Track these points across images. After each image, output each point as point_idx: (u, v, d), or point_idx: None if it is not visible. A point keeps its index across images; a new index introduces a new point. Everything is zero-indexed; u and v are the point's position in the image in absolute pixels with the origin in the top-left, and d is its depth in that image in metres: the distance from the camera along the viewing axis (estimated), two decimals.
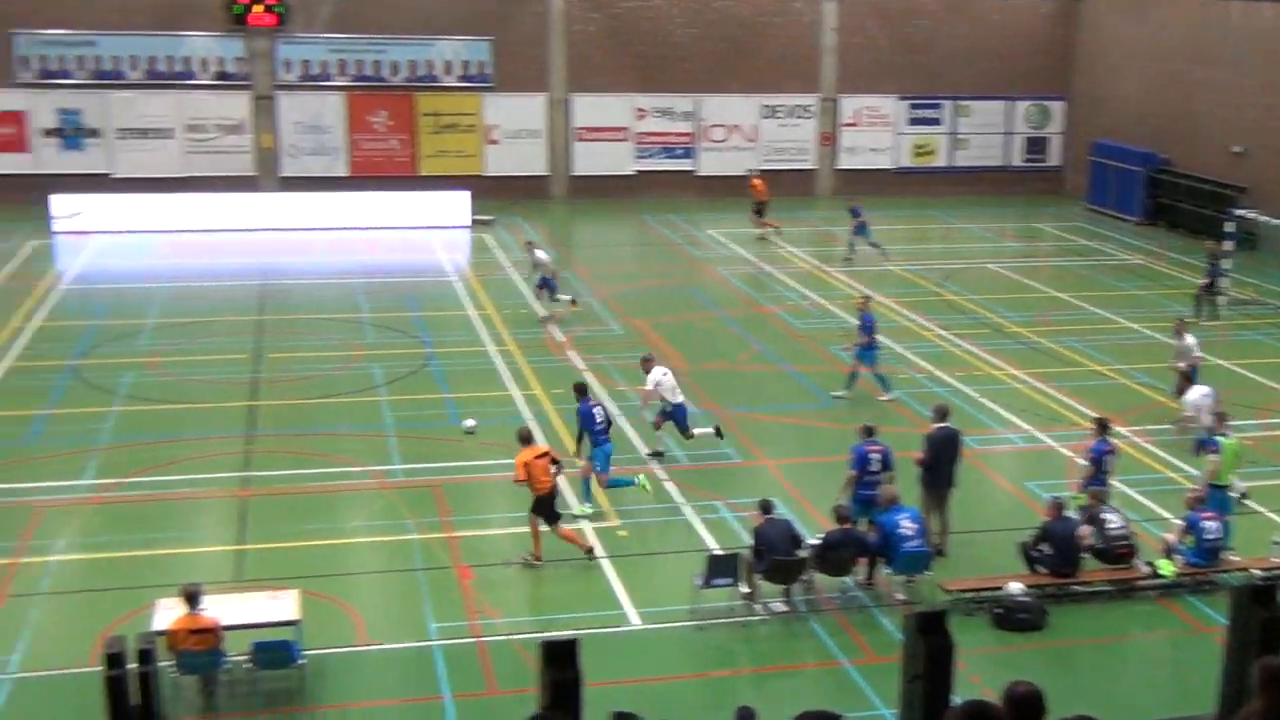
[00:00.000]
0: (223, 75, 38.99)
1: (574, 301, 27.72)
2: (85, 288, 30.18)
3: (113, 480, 18.60)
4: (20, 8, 37.42)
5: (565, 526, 16.49)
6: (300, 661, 13.14)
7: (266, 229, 35.89)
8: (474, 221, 37.30)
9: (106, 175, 38.10)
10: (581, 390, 18.47)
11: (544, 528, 16.10)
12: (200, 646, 12.76)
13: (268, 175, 39.41)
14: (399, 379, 23.47)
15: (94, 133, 38.38)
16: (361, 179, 39.39)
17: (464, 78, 40.44)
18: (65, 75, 38.07)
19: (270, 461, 19.43)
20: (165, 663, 12.22)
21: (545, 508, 16.09)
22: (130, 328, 26.39)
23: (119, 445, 19.97)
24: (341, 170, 39.80)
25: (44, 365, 23.76)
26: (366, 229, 36.35)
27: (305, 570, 15.66)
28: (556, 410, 21.69)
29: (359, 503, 18.13)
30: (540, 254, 27.86)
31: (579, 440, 18.23)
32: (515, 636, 14.28)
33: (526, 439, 16.40)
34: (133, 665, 9.82)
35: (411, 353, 25.03)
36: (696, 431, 19.99)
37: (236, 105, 39.10)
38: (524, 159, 41.13)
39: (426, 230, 36.37)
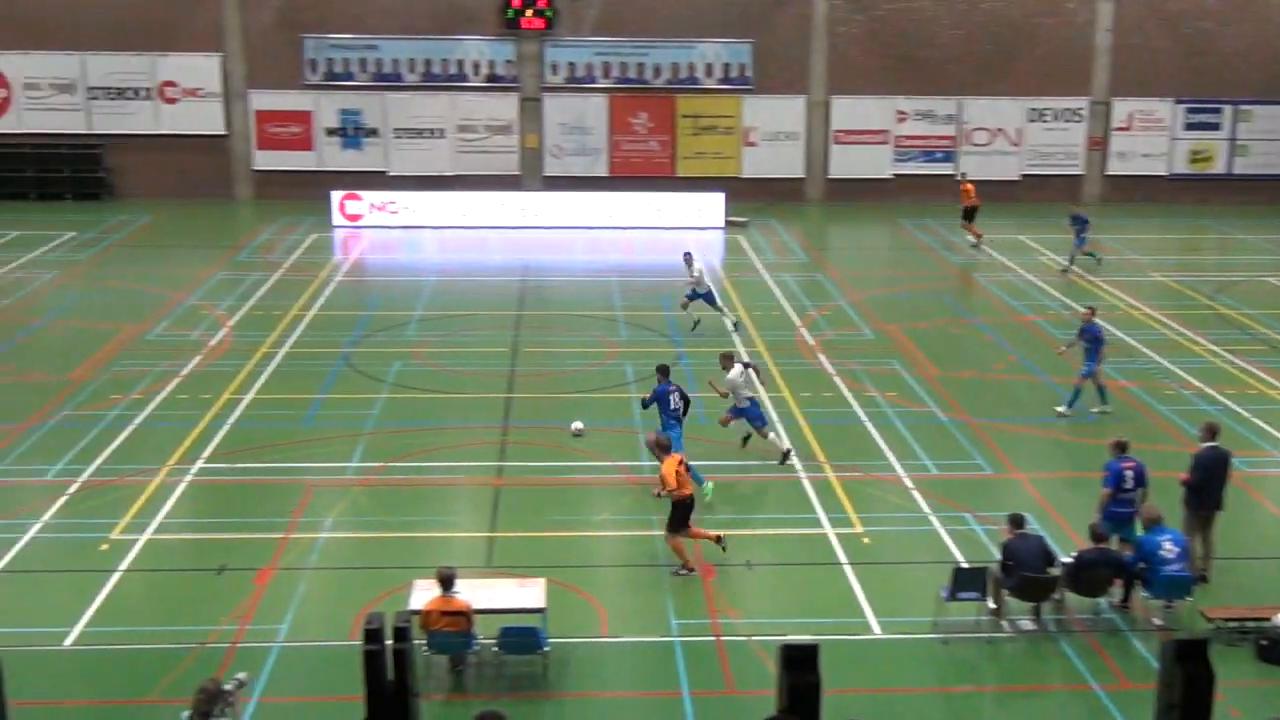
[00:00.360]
0: (493, 78, 40.36)
1: (698, 322, 26.48)
2: (359, 279, 31.79)
3: (378, 464, 19.52)
4: (310, 15, 39.65)
5: (682, 540, 15.96)
6: (545, 649, 13.50)
7: (529, 227, 37.01)
8: (728, 223, 37.51)
9: (383, 173, 39.99)
10: (664, 372, 18.83)
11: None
12: (452, 628, 13.27)
13: (532, 175, 40.60)
14: (649, 377, 23.75)
15: (372, 132, 40.34)
16: (621, 179, 40.13)
17: (724, 80, 40.70)
18: (348, 77, 40.13)
19: (523, 453, 20.02)
20: (418, 641, 12.75)
21: (684, 514, 15.89)
22: (399, 318, 27.62)
23: (385, 431, 20.93)
24: (602, 170, 40.64)
25: (320, 352, 25.10)
26: (623, 229, 37.04)
27: (552, 560, 16.07)
28: (803, 414, 21.61)
29: (606, 497, 18.49)
30: (699, 265, 26.67)
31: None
32: (755, 638, 14.31)
33: (667, 448, 16.25)
34: (389, 642, 10.28)
35: (663, 351, 25.34)
36: (771, 435, 19.58)
37: (505, 106, 40.42)
38: (781, 161, 41.13)
39: (681, 231, 36.79)
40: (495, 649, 13.54)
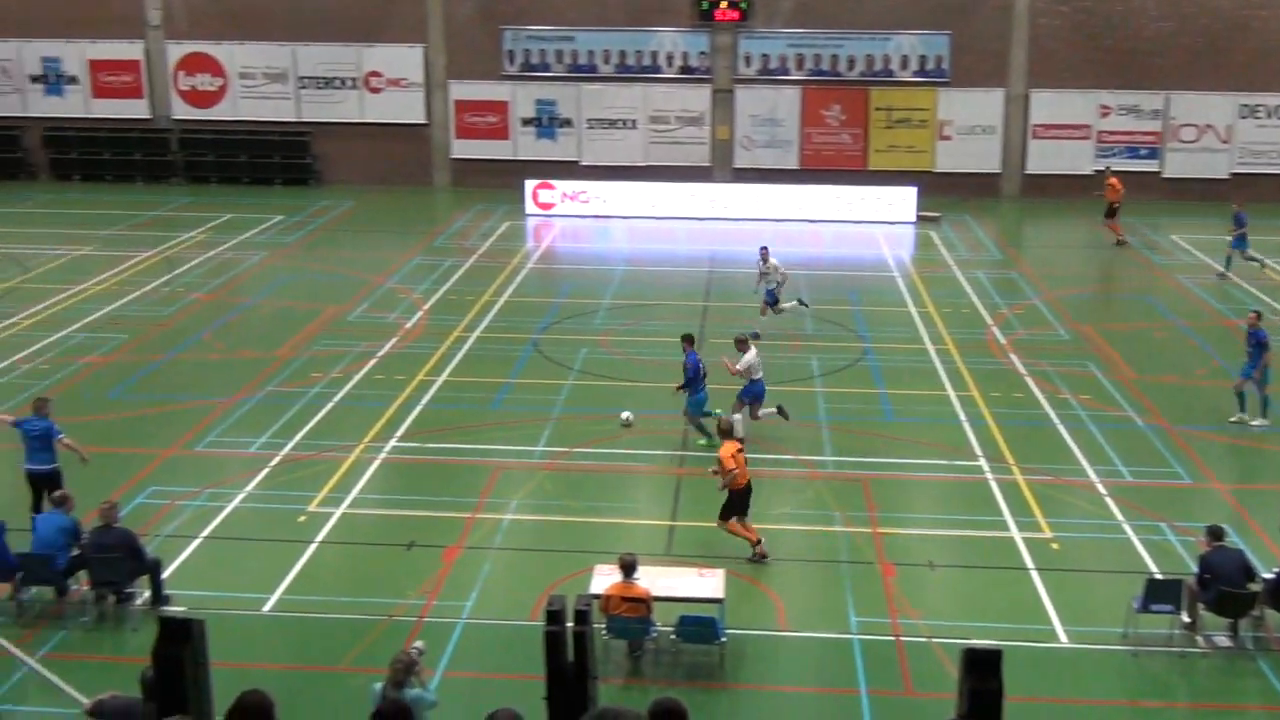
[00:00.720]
0: (686, 69, 40.51)
1: (801, 301, 26.44)
2: (550, 267, 32.33)
3: (563, 448, 19.84)
4: (510, 7, 40.44)
5: (736, 523, 16.07)
6: (722, 639, 13.56)
7: (717, 218, 37.07)
8: (919, 218, 36.92)
9: (575, 162, 40.55)
10: (690, 340, 20.34)
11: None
12: (631, 614, 13.43)
13: (722, 166, 40.64)
14: (835, 371, 23.65)
15: (566, 122, 40.93)
16: (810, 172, 39.87)
17: (919, 72, 40.04)
18: (544, 68, 40.81)
19: (705, 443, 20.07)
20: (598, 625, 12.94)
21: (742, 500, 16.02)
22: (587, 306, 28.01)
23: (570, 416, 21.26)
24: (792, 163, 40.44)
25: (510, 337, 25.62)
26: (813, 221, 36.79)
27: (731, 551, 16.10)
28: (992, 414, 21.17)
29: (788, 490, 18.44)
30: (774, 261, 25.92)
31: (683, 386, 19.72)
32: (936, 640, 14.11)
33: (728, 432, 16.55)
34: (570, 624, 10.45)
35: (849, 346, 25.13)
36: (762, 413, 20.04)
37: (698, 98, 40.53)
38: (976, 156, 40.26)
39: (872, 225, 36.36)
40: (673, 637, 13.65)
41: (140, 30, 41.53)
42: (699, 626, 13.55)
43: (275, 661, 13.45)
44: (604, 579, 13.84)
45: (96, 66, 41.85)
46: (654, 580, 13.84)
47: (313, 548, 16.37)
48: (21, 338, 25.01)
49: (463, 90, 41.07)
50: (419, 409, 21.39)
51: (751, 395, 20.14)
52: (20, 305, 27.20)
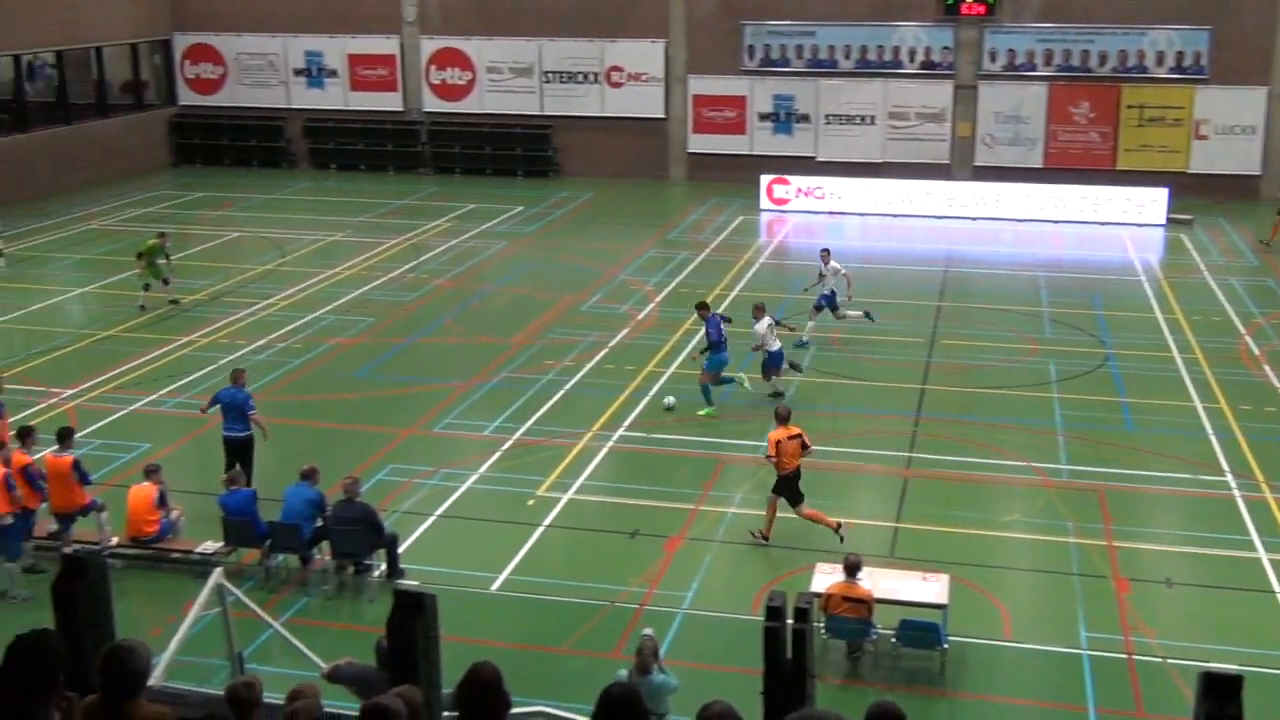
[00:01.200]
0: (928, 64, 39.77)
1: (868, 315, 24.72)
2: (782, 262, 32.25)
3: None
4: (751, 1, 40.47)
5: (808, 508, 16.37)
6: (944, 646, 13.32)
7: (955, 217, 36.31)
8: (1170, 220, 35.34)
9: (811, 158, 40.31)
10: (703, 307, 21.77)
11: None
12: (852, 614, 13.33)
13: (961, 164, 39.75)
14: (1073, 377, 22.88)
15: (804, 118, 40.71)
16: (1055, 171, 38.64)
17: (1176, 69, 38.29)
18: (784, 64, 40.68)
19: (934, 445, 19.74)
20: (818, 624, 12.88)
21: (789, 488, 16.28)
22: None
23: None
24: (1036, 161, 39.24)
25: (740, 331, 25.64)
26: (1056, 222, 35.68)
27: (955, 557, 15.80)
28: (1241, 428, 20.15)
29: (1018, 497, 17.96)
30: (835, 264, 24.84)
31: (706, 350, 21.01)
32: (1171, 661, 13.54)
33: (784, 418, 16.71)
34: (789, 621, 10.44)
35: (1090, 352, 24.28)
36: (776, 378, 21.53)
37: (939, 94, 39.74)
38: (1235, 157, 38.24)
39: (1118, 226, 35.02)
40: (893, 640, 13.49)
41: (397, 26, 43.26)
42: (920, 631, 13.35)
43: (500, 639, 13.85)
44: (825, 578, 13.78)
45: (355, 61, 43.79)
46: (877, 582, 13.71)
47: (540, 530, 16.80)
48: (277, 318, 26.41)
49: (701, 85, 41.30)
50: (647, 399, 21.67)
51: (772, 364, 21.37)
52: (278, 287, 28.72)
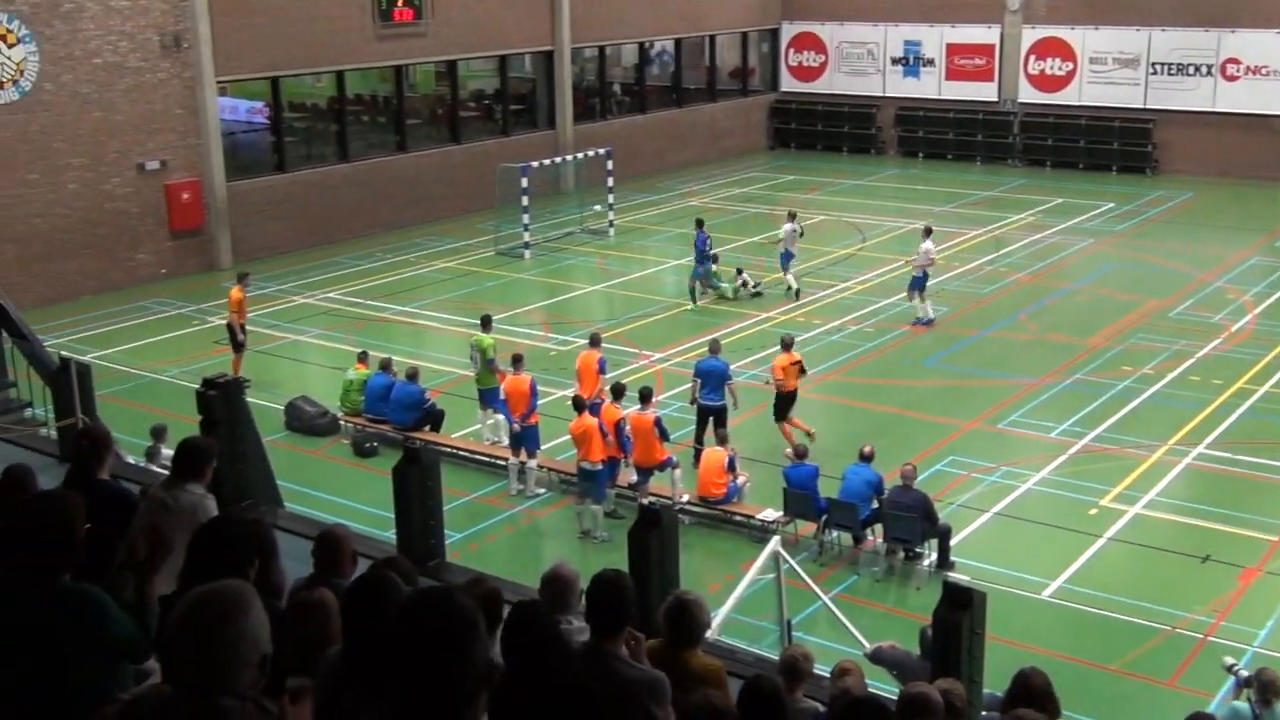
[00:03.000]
0: None
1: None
2: None
3: None
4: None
5: (788, 427, 18.57)
6: None
7: None
8: None
9: None
10: (700, 224, 26.59)
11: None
12: None
13: None
14: None
15: None
16: None
17: None
18: None
19: None
20: None
21: (786, 403, 18.84)
22: None
23: None
24: None
25: None
26: None
27: None
28: None
29: None
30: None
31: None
32: None
33: (789, 346, 19.07)
34: None
35: None
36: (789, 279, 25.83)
37: None
38: None
39: None
40: None
41: (998, 15, 42.59)
42: None
43: (1047, 647, 13.46)
44: None
45: (953, 50, 43.62)
46: None
47: (1101, 542, 16.12)
48: (851, 301, 26.99)
49: None
50: (1234, 417, 20.12)
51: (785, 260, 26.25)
52: (856, 271, 29.33)
